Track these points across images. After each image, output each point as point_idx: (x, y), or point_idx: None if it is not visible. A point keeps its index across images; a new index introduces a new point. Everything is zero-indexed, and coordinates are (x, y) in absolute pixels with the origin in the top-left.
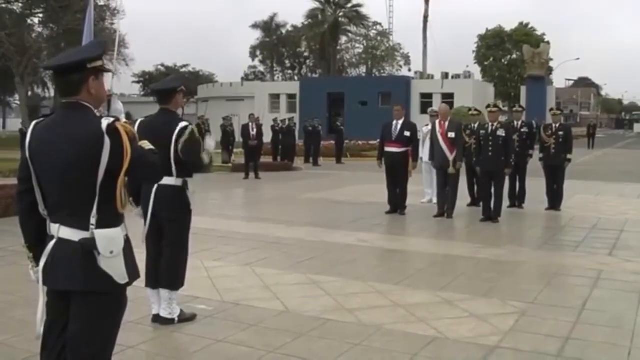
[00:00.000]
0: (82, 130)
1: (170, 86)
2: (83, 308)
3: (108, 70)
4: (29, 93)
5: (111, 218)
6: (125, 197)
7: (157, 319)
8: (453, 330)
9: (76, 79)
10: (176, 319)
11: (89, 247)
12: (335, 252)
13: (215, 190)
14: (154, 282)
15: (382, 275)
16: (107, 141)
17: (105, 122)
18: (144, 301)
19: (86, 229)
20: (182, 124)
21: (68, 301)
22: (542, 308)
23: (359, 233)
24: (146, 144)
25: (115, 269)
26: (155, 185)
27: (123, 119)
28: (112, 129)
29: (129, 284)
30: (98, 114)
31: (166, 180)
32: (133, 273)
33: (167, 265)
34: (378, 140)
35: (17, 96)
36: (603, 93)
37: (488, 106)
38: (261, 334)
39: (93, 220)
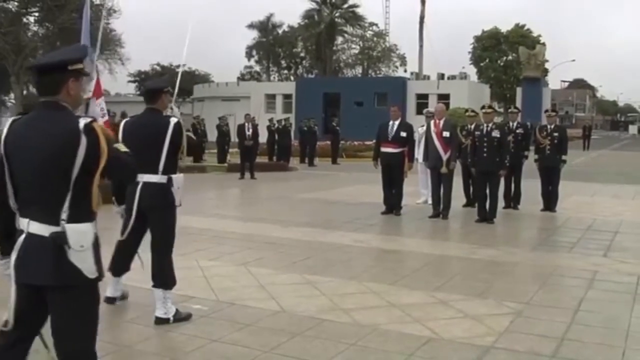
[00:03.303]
0: (60, 128)
1: (157, 86)
2: (57, 303)
3: (87, 74)
4: (25, 92)
5: (83, 214)
6: (99, 195)
7: (110, 301)
8: (448, 330)
9: (56, 79)
10: (171, 318)
11: (59, 241)
12: (331, 252)
13: (210, 190)
14: (119, 271)
15: (378, 276)
16: (83, 139)
17: (82, 121)
18: (139, 301)
19: (56, 223)
20: (174, 120)
21: (38, 294)
22: (537, 309)
23: (354, 233)
24: (121, 146)
25: (85, 262)
26: (141, 183)
27: (100, 122)
28: (89, 129)
29: (98, 279)
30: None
31: (151, 178)
32: (101, 270)
33: (158, 265)
34: (374, 141)
35: (12, 95)
36: (598, 94)
37: (483, 107)
38: (256, 334)
39: (64, 215)
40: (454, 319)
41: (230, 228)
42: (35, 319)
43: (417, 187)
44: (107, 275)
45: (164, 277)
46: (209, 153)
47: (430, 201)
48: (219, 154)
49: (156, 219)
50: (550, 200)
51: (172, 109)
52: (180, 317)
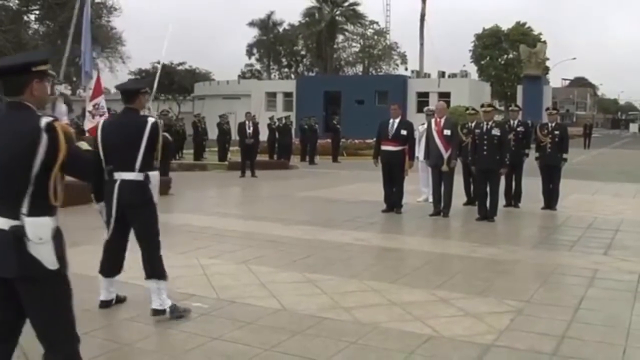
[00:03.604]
0: (23, 127)
1: (134, 87)
2: (24, 295)
3: (52, 75)
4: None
5: (42, 209)
6: (60, 190)
7: (105, 305)
8: (449, 328)
9: (20, 80)
10: (167, 309)
11: (19, 234)
12: (332, 250)
13: (211, 188)
14: (108, 271)
15: (378, 274)
16: (44, 138)
17: (44, 120)
18: (139, 299)
19: (17, 217)
20: (152, 120)
21: (6, 287)
22: (538, 307)
23: (355, 231)
24: (83, 145)
25: (44, 254)
26: (119, 180)
27: (65, 120)
28: (50, 127)
29: (61, 271)
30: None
31: (129, 175)
32: (64, 262)
33: (147, 259)
34: (374, 139)
35: None
36: (599, 93)
37: (482, 106)
38: (257, 332)
39: (24, 210)
40: (455, 317)
41: (230, 226)
42: (9, 315)
43: (417, 186)
44: (99, 278)
45: (155, 268)
46: (209, 151)
47: (430, 199)
48: (220, 152)
49: (136, 215)
50: (551, 198)
51: (149, 109)
52: (178, 311)
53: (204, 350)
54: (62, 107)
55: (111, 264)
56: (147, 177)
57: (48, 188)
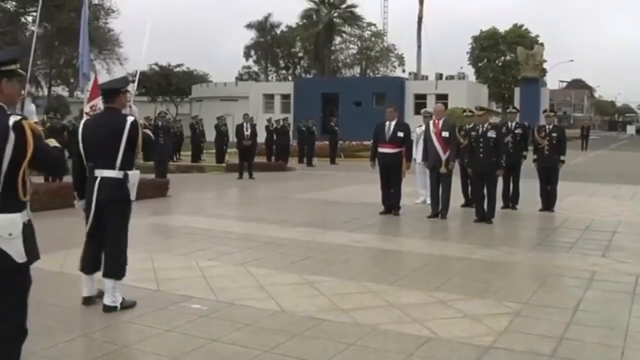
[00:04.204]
0: None
1: (115, 87)
2: None
3: (21, 74)
4: (22, 92)
5: (12, 205)
6: (29, 187)
7: (88, 301)
8: (447, 330)
9: None
10: (119, 306)
11: None
12: (330, 252)
13: (209, 190)
14: (89, 269)
15: (377, 276)
16: (12, 136)
17: (12, 119)
18: (138, 301)
19: None
20: (131, 118)
21: None
22: (536, 308)
23: (353, 233)
24: (52, 142)
25: (14, 249)
26: (99, 178)
27: (34, 119)
28: (18, 126)
29: (29, 263)
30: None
31: (109, 173)
32: (32, 254)
33: (111, 256)
34: (372, 141)
35: None
36: (596, 95)
37: (475, 109)
38: (256, 334)
39: None
40: (453, 319)
41: (229, 228)
42: None
43: (415, 187)
44: (81, 275)
45: (117, 268)
46: (207, 153)
47: (428, 201)
48: (218, 154)
49: (112, 212)
50: (548, 200)
51: (130, 107)
52: (127, 305)
53: (202, 352)
54: (31, 106)
55: (91, 262)
56: (126, 176)
57: (17, 185)
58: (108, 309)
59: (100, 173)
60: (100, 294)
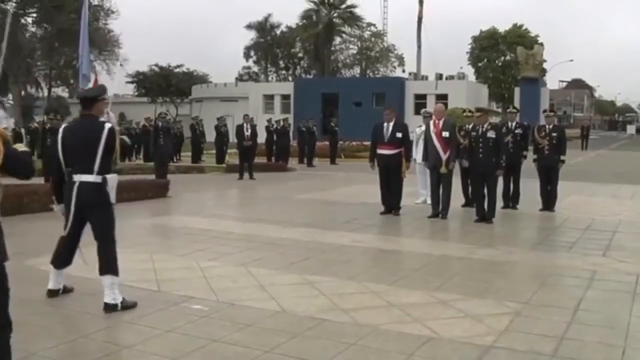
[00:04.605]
0: None
1: (92, 95)
2: None
3: None
4: (22, 93)
5: None
6: (0, 190)
7: (53, 294)
8: (448, 330)
9: None
10: (119, 304)
11: None
12: (330, 252)
13: (209, 191)
14: (61, 264)
15: (377, 276)
16: None
17: None
18: (139, 302)
19: None
20: (108, 125)
21: None
22: (537, 308)
23: (353, 233)
24: (20, 147)
25: None
26: (77, 182)
27: (3, 126)
28: None
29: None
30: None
31: (88, 178)
32: (1, 256)
33: (104, 255)
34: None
35: (10, 96)
36: (596, 94)
37: (475, 110)
38: (257, 334)
39: None
40: (454, 319)
41: (229, 228)
42: None
43: (416, 187)
44: (50, 268)
45: (110, 264)
46: (207, 154)
47: (429, 201)
48: (218, 154)
49: (94, 215)
50: (549, 200)
51: (108, 114)
52: (128, 305)
53: (203, 353)
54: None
55: (63, 258)
56: (104, 180)
57: None
58: (109, 308)
59: (79, 178)
60: (67, 288)
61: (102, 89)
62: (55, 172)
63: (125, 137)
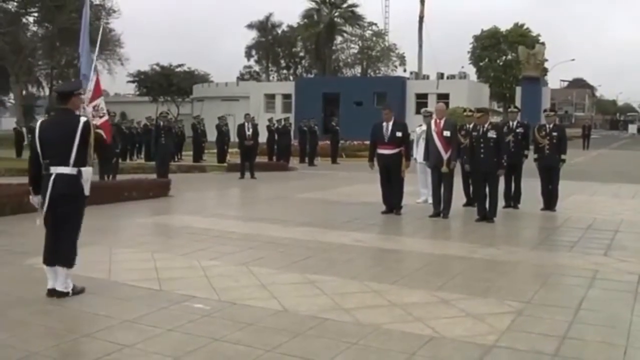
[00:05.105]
0: None
1: (68, 89)
2: None
3: None
4: (24, 92)
5: None
6: None
7: (53, 292)
8: (450, 329)
9: None
10: (70, 292)
11: None
12: (331, 251)
13: (211, 190)
14: (51, 260)
15: (379, 275)
16: None
17: None
18: (139, 300)
19: None
20: (84, 119)
21: None
22: (539, 307)
23: (354, 233)
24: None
25: None
26: (54, 174)
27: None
28: None
29: None
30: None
31: (64, 170)
32: None
33: (64, 246)
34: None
35: (11, 95)
36: (598, 94)
37: (476, 110)
38: (258, 333)
39: None
40: (456, 318)
41: (230, 228)
42: None
43: (417, 187)
44: (44, 267)
45: (68, 256)
46: (208, 153)
47: (430, 200)
48: (219, 153)
49: (66, 205)
50: (550, 199)
51: (84, 109)
52: (77, 291)
53: (205, 352)
54: None
55: (49, 252)
56: (79, 172)
57: None
58: (61, 295)
59: (55, 170)
60: (76, 290)
61: (78, 84)
62: (33, 164)
63: (101, 131)
